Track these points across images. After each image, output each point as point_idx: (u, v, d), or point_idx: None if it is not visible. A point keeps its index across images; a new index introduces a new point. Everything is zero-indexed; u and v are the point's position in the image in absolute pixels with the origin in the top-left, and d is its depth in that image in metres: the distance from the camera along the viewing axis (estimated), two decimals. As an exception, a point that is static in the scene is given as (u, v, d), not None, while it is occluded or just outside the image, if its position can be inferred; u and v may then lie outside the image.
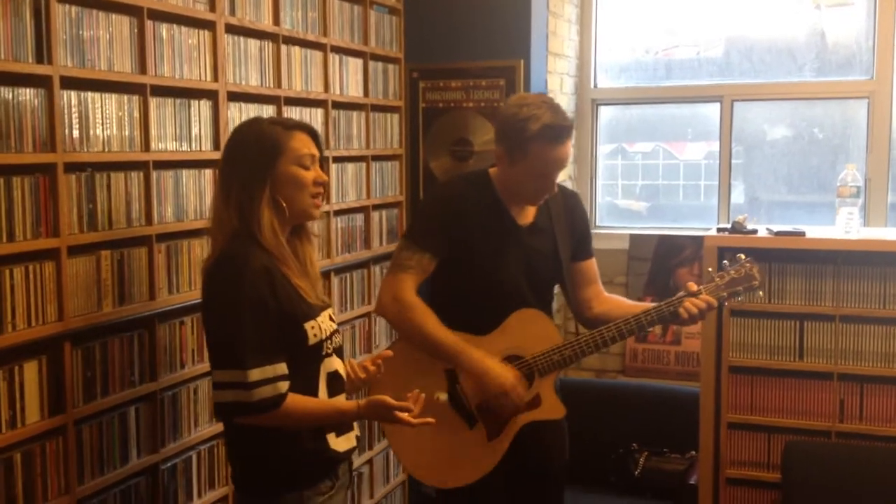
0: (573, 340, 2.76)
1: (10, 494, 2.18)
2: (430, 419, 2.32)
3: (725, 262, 2.87)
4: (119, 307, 2.50)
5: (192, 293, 2.75)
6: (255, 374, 2.12)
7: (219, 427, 2.88)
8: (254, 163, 2.21)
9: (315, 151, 2.28)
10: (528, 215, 2.81)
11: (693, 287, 2.76)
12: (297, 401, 2.19)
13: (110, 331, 2.49)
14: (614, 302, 2.92)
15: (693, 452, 3.93)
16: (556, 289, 2.99)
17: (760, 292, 2.85)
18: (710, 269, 2.92)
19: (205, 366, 2.82)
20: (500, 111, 2.74)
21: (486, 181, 2.79)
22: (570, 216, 2.89)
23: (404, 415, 2.26)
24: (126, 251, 2.53)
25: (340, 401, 2.33)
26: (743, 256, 2.83)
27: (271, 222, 2.20)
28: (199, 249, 2.79)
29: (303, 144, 2.24)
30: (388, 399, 2.23)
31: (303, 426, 2.24)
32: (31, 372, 2.24)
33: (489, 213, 2.75)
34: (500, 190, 2.77)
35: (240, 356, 2.11)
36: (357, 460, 3.61)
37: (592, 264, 2.96)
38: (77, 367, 2.37)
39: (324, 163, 2.34)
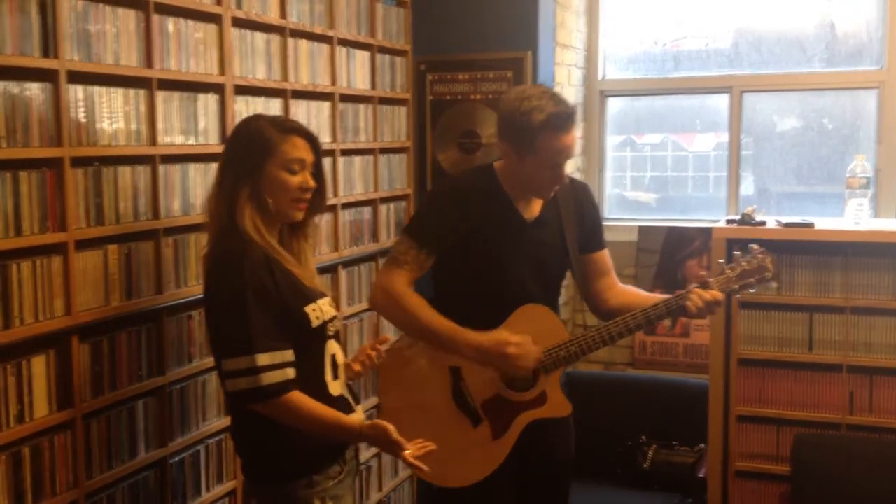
0: (579, 336, 2.71)
1: (19, 489, 2.19)
2: (430, 446, 2.24)
3: (737, 252, 2.78)
4: (127, 301, 2.50)
5: (199, 287, 2.75)
6: (264, 359, 2.16)
7: (227, 421, 2.88)
8: (243, 160, 2.27)
9: (308, 156, 2.31)
10: (535, 209, 2.75)
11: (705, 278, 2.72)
12: (304, 398, 2.22)
13: (118, 325, 2.49)
14: (630, 295, 2.85)
15: (702, 445, 3.92)
16: (565, 281, 2.96)
17: (774, 284, 2.76)
18: (720, 261, 2.87)
19: (213, 359, 2.82)
20: (501, 106, 2.66)
21: (492, 176, 2.74)
22: (579, 207, 2.83)
23: (404, 452, 2.19)
24: (133, 245, 2.53)
25: (345, 415, 2.30)
26: (756, 247, 2.75)
27: (253, 219, 2.24)
28: (207, 243, 2.79)
29: (294, 148, 2.28)
30: (392, 430, 2.18)
31: (304, 426, 2.24)
32: (38, 366, 2.25)
33: (495, 207, 2.71)
34: (505, 184, 2.72)
35: (247, 342, 2.16)
36: (365, 453, 3.61)
37: (604, 255, 2.90)
38: (85, 362, 2.37)
39: (319, 168, 2.36)
